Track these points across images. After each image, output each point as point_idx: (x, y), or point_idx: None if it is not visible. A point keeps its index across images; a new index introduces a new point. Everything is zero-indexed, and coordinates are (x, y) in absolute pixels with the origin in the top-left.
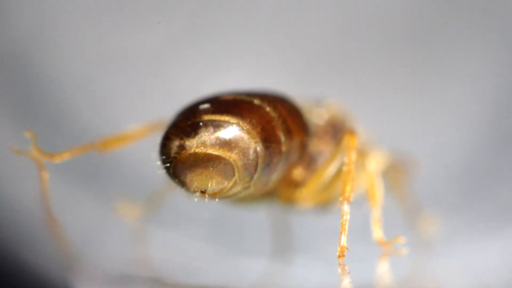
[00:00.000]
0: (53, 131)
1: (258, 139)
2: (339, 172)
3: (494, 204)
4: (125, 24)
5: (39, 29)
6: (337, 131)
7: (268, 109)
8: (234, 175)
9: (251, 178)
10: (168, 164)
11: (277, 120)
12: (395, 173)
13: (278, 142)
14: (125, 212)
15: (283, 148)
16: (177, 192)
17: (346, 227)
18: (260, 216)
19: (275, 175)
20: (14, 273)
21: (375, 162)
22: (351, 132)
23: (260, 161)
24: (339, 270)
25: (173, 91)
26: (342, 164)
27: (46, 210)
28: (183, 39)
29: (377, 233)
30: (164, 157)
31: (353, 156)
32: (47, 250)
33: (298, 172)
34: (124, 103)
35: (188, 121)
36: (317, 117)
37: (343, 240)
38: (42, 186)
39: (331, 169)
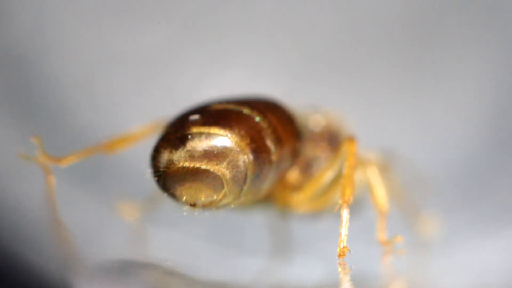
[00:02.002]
0: (53, 131)
1: (247, 151)
2: (336, 179)
3: (494, 204)
4: (125, 24)
5: (39, 29)
6: (333, 137)
7: (257, 119)
8: (223, 187)
9: (241, 189)
10: (157, 177)
11: (266, 130)
12: (387, 173)
13: (268, 152)
14: (125, 211)
15: (273, 158)
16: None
17: (346, 228)
18: (259, 216)
19: (266, 184)
20: (14, 273)
21: (375, 169)
22: (351, 138)
23: (249, 172)
24: (340, 270)
25: (173, 91)
26: (339, 171)
27: (53, 214)
28: (183, 39)
29: (382, 234)
30: (153, 170)
31: (353, 161)
32: (47, 250)
33: (294, 176)
34: (124, 103)
35: (177, 134)
36: (313, 123)
37: (344, 240)
38: (48, 191)
39: (329, 175)
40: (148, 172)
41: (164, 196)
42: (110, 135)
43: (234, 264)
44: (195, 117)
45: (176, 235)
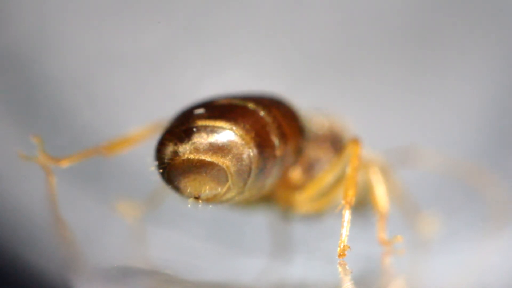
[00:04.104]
0: (53, 131)
1: (251, 145)
2: (339, 180)
3: (494, 204)
4: (125, 24)
5: (39, 29)
6: (336, 139)
7: (262, 113)
8: (227, 181)
9: (245, 183)
10: (162, 170)
11: (271, 125)
12: (388, 173)
13: (272, 147)
14: (125, 211)
15: (278, 153)
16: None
17: (347, 228)
18: (259, 216)
19: (270, 179)
20: (14, 273)
21: (376, 170)
22: (356, 140)
23: (253, 166)
24: (340, 270)
25: (173, 91)
26: (342, 172)
27: (54, 214)
28: (183, 39)
29: (382, 234)
30: (158, 162)
31: (357, 162)
32: (47, 250)
33: (296, 175)
34: (124, 103)
35: (182, 127)
36: (316, 125)
37: (345, 241)
38: (50, 190)
39: (332, 175)
40: (152, 166)
41: (167, 189)
42: (109, 136)
43: (234, 264)
44: (200, 110)
45: (176, 235)
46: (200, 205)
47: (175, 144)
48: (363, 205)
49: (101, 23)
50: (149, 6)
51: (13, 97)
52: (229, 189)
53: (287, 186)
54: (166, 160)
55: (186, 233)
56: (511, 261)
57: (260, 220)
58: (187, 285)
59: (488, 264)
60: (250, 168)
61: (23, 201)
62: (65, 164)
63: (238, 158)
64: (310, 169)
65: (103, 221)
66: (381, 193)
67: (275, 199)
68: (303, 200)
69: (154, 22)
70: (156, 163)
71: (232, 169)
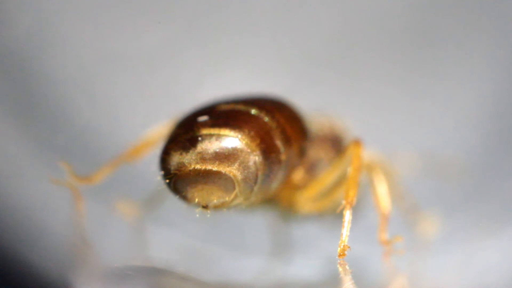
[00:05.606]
0: (53, 131)
1: (257, 152)
2: (340, 180)
3: (495, 204)
4: (125, 24)
5: (39, 29)
6: (337, 140)
7: (266, 119)
8: (234, 189)
9: (252, 190)
10: (168, 180)
11: (275, 130)
12: (388, 173)
13: (277, 152)
14: (125, 211)
15: (282, 157)
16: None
17: (348, 229)
18: (259, 216)
19: (275, 184)
20: (14, 273)
21: (378, 171)
22: (357, 141)
23: (260, 173)
24: (340, 270)
25: (173, 91)
26: (344, 172)
27: (81, 236)
28: (183, 39)
29: (383, 234)
30: (164, 172)
31: (358, 163)
32: (47, 250)
33: (299, 175)
34: (124, 103)
35: (186, 135)
36: (317, 126)
37: (345, 241)
38: (78, 214)
39: (334, 176)
40: (154, 170)
41: (171, 197)
42: (109, 136)
43: (234, 264)
44: (204, 118)
45: (176, 235)
46: (208, 214)
47: (181, 154)
48: (359, 205)
49: (101, 23)
50: (149, 6)
51: (13, 97)
52: (236, 196)
53: (288, 186)
54: (172, 171)
55: (186, 233)
56: (511, 261)
57: (260, 220)
58: (187, 285)
59: (488, 264)
60: (257, 175)
61: (23, 200)
62: (96, 181)
63: (245, 166)
64: (311, 170)
65: (103, 221)
66: (383, 194)
67: (276, 199)
68: (305, 200)
69: (154, 22)
70: (161, 172)
71: (239, 177)
